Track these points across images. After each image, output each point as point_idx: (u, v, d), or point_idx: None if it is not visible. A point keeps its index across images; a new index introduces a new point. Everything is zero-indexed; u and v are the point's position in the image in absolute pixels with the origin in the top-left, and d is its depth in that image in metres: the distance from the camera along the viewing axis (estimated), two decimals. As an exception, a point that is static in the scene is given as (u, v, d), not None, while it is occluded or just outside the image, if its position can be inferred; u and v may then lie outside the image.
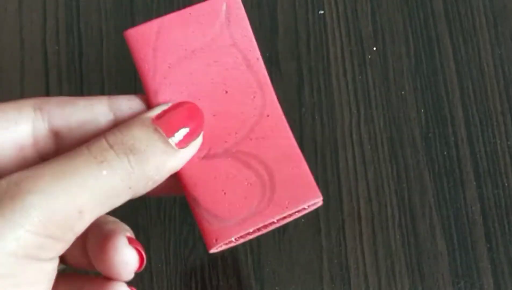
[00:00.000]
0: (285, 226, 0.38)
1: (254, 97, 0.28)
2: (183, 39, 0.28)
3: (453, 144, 0.41)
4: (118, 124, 0.27)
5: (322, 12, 0.44)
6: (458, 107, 0.42)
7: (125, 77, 0.43)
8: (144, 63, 0.28)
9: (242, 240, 0.28)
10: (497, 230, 0.39)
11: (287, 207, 0.27)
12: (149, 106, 0.28)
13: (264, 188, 0.27)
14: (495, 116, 0.42)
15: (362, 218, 0.40)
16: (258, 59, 0.28)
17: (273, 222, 0.28)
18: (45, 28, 0.44)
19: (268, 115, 0.28)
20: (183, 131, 0.26)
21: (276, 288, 0.39)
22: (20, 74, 0.43)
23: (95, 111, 0.27)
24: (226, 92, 0.28)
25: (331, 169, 0.41)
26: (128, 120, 0.27)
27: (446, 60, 0.43)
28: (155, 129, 0.26)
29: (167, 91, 0.28)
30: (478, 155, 0.41)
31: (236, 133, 0.28)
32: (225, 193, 0.27)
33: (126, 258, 0.27)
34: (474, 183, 0.40)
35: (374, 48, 0.43)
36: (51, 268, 0.25)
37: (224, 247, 0.28)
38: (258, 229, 0.28)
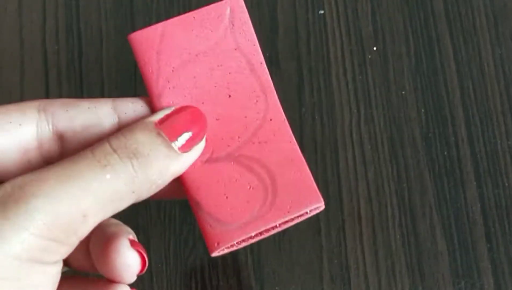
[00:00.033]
0: (285, 226, 0.38)
1: (257, 101, 0.28)
2: (187, 42, 0.28)
3: (453, 144, 0.41)
4: (122, 128, 0.27)
5: (322, 12, 0.44)
6: (458, 107, 0.42)
7: (125, 77, 0.43)
8: (148, 66, 0.28)
9: (244, 244, 0.28)
10: (497, 230, 0.39)
11: (289, 212, 0.28)
12: (153, 109, 0.28)
13: (266, 192, 0.28)
14: (496, 116, 0.42)
15: (362, 218, 0.40)
16: (261, 63, 0.28)
17: (275, 226, 0.28)
18: (45, 28, 0.44)
19: (271, 119, 0.28)
20: (186, 135, 0.26)
21: (276, 288, 0.38)
22: (20, 74, 0.43)
23: (99, 114, 0.27)
24: (230, 96, 0.28)
25: (331, 169, 0.41)
26: (131, 123, 0.27)
27: (447, 60, 0.43)
28: (158, 134, 0.26)
29: (171, 94, 0.28)
30: (478, 155, 0.41)
31: (239, 137, 0.28)
32: (227, 197, 0.28)
33: (128, 260, 0.27)
34: (475, 183, 0.40)
35: (374, 48, 0.43)
36: (55, 272, 0.25)
37: (225, 251, 0.28)
38: (260, 233, 0.28)
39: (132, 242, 0.28)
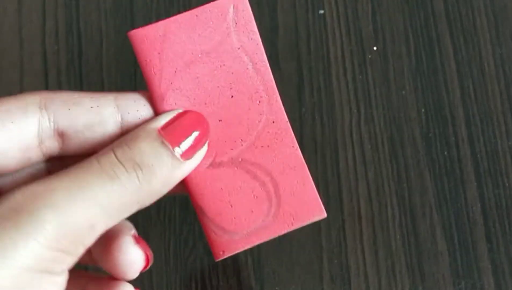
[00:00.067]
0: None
1: (259, 102, 0.28)
2: (189, 42, 0.27)
3: (453, 144, 0.41)
4: (125, 127, 0.27)
5: (322, 11, 0.44)
6: (458, 107, 0.42)
7: (125, 77, 0.43)
8: (150, 67, 0.27)
9: (247, 247, 0.29)
10: (497, 230, 0.39)
11: (292, 224, 0.29)
12: (155, 109, 0.28)
13: (270, 202, 0.28)
14: (496, 116, 0.42)
15: (362, 218, 0.40)
16: (264, 62, 0.28)
17: None
18: (45, 28, 0.44)
19: (273, 121, 0.28)
20: (189, 142, 0.26)
21: (276, 288, 0.38)
22: (20, 73, 0.43)
23: (102, 114, 0.27)
24: (232, 96, 0.28)
25: (331, 169, 0.41)
26: (135, 129, 0.27)
27: (447, 59, 0.43)
28: (162, 142, 0.26)
29: (173, 96, 0.27)
30: (478, 155, 0.41)
31: (241, 140, 0.28)
32: (231, 206, 0.28)
33: (132, 257, 0.28)
34: (475, 183, 0.40)
35: (375, 48, 0.43)
36: (63, 281, 0.25)
37: (229, 255, 0.29)
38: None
39: (136, 239, 0.28)
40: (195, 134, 0.27)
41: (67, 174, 0.25)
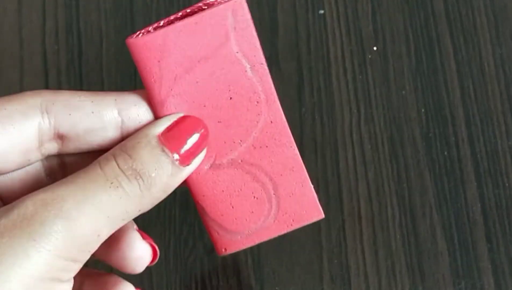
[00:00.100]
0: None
1: (258, 102, 0.28)
2: (189, 49, 0.27)
3: (453, 144, 0.41)
4: (125, 132, 0.27)
5: (322, 11, 0.44)
6: (458, 107, 0.42)
7: (125, 77, 0.43)
8: (150, 75, 0.27)
9: (248, 246, 0.30)
10: (497, 230, 0.39)
11: (291, 225, 0.30)
12: (155, 115, 0.28)
13: (270, 203, 0.29)
14: (496, 116, 0.42)
15: (362, 218, 0.40)
16: (262, 64, 0.28)
17: None
18: (45, 27, 0.44)
19: (271, 122, 0.29)
20: (188, 148, 0.27)
21: (276, 288, 0.38)
22: (20, 73, 0.43)
23: (103, 118, 0.27)
24: (231, 98, 0.28)
25: (331, 169, 0.41)
26: (135, 133, 0.27)
27: (447, 59, 0.43)
28: (162, 150, 0.26)
29: (173, 101, 0.28)
30: (478, 155, 0.41)
31: (240, 140, 0.29)
32: (232, 207, 0.29)
33: (141, 253, 0.29)
34: (475, 183, 0.40)
35: (375, 48, 0.43)
36: (69, 288, 0.26)
37: (230, 252, 0.30)
38: None
39: (142, 235, 0.29)
40: (194, 140, 0.27)
41: (73, 182, 0.25)
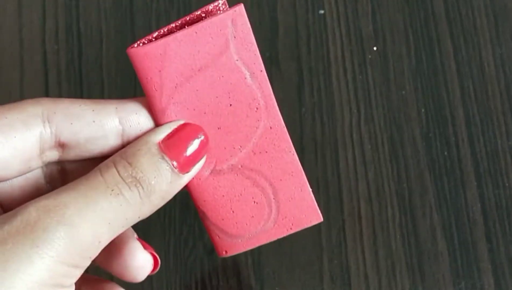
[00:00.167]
0: (285, 226, 0.38)
1: (257, 108, 0.29)
2: (189, 58, 0.28)
3: (453, 144, 0.41)
4: (126, 140, 0.28)
5: (322, 12, 0.44)
6: (458, 107, 0.42)
7: (125, 77, 0.43)
8: (150, 84, 0.28)
9: (248, 249, 0.31)
10: (497, 230, 0.39)
11: (291, 229, 0.30)
12: (156, 123, 0.28)
13: (270, 208, 0.30)
14: (496, 116, 0.42)
15: (362, 218, 0.40)
16: (261, 71, 0.28)
17: None
18: (45, 27, 0.44)
19: (271, 127, 0.29)
20: (188, 156, 0.27)
21: (276, 288, 0.38)
22: (20, 73, 0.43)
23: (105, 127, 0.27)
24: (231, 105, 0.28)
25: (331, 169, 0.41)
26: (136, 140, 0.27)
27: (447, 60, 0.43)
28: (162, 158, 0.26)
29: (174, 109, 0.28)
30: (478, 155, 0.41)
31: (240, 146, 0.29)
32: (233, 211, 0.30)
33: (142, 262, 0.29)
34: (475, 183, 0.40)
35: (375, 48, 0.43)
36: None
37: (231, 255, 0.31)
38: None
39: (144, 245, 0.30)
40: (195, 147, 0.27)
41: (75, 189, 0.25)
